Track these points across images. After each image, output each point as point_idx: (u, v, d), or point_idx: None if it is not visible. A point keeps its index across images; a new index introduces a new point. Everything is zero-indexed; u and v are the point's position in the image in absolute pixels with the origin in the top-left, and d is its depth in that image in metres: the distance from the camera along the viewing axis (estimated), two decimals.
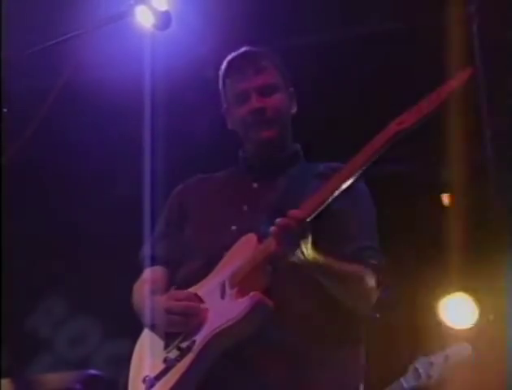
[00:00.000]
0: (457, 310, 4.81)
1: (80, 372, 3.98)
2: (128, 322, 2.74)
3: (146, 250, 2.82)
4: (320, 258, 2.43)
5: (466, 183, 4.30)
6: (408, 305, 4.93)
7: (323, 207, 2.34)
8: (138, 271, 2.81)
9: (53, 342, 5.53)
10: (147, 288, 2.67)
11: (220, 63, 2.85)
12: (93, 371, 4.06)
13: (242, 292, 2.43)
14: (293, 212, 2.33)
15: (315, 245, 2.40)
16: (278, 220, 2.33)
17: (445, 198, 4.88)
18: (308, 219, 2.33)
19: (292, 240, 2.34)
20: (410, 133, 2.28)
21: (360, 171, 2.33)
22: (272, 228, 2.34)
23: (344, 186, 2.34)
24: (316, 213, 2.34)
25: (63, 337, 5.54)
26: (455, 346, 4.43)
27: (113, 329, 5.31)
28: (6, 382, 3.81)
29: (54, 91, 2.61)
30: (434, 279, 4.76)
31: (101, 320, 5.43)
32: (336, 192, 2.34)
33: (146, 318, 2.63)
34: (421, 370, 4.35)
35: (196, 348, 2.43)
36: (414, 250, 4.89)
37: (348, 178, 2.34)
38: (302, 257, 2.37)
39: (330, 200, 2.34)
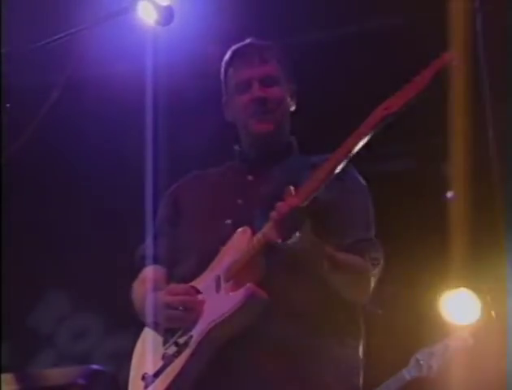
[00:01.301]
0: (460, 306, 4.80)
1: (83, 367, 3.96)
2: (129, 318, 2.74)
3: (144, 249, 2.82)
4: (319, 245, 2.45)
5: (470, 180, 4.29)
6: (410, 301, 4.92)
7: (317, 193, 2.36)
8: (137, 269, 2.80)
9: (55, 338, 5.54)
10: (149, 287, 2.66)
11: (222, 59, 2.84)
12: (95, 366, 4.05)
13: (237, 285, 2.44)
14: (290, 199, 2.35)
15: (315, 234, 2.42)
16: (278, 204, 2.34)
17: (448, 195, 4.87)
18: (304, 204, 2.35)
19: (290, 225, 2.35)
20: (397, 119, 2.29)
21: (350, 156, 2.34)
22: (272, 213, 2.35)
23: (336, 171, 2.35)
24: (310, 198, 2.36)
25: (65, 333, 5.55)
26: (454, 335, 4.44)
27: (115, 324, 5.31)
28: (8, 377, 3.80)
29: (57, 87, 2.60)
30: (436, 274, 4.76)
31: (102, 315, 5.43)
32: (329, 178, 2.35)
33: (148, 316, 2.62)
34: (422, 362, 4.36)
35: (192, 344, 2.43)
36: (416, 246, 4.89)
37: (339, 163, 2.35)
38: (301, 243, 2.38)
39: (323, 185, 2.36)
